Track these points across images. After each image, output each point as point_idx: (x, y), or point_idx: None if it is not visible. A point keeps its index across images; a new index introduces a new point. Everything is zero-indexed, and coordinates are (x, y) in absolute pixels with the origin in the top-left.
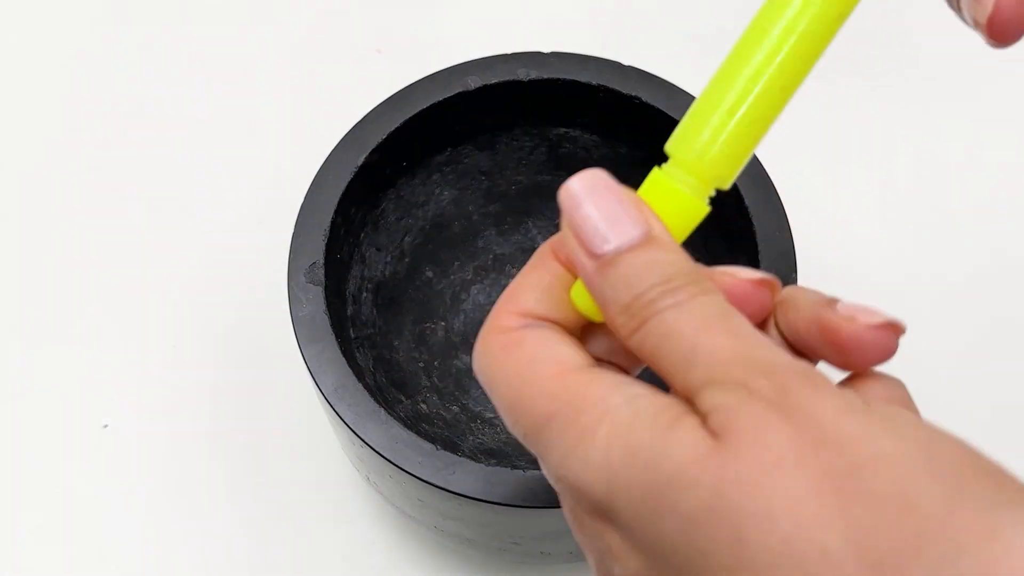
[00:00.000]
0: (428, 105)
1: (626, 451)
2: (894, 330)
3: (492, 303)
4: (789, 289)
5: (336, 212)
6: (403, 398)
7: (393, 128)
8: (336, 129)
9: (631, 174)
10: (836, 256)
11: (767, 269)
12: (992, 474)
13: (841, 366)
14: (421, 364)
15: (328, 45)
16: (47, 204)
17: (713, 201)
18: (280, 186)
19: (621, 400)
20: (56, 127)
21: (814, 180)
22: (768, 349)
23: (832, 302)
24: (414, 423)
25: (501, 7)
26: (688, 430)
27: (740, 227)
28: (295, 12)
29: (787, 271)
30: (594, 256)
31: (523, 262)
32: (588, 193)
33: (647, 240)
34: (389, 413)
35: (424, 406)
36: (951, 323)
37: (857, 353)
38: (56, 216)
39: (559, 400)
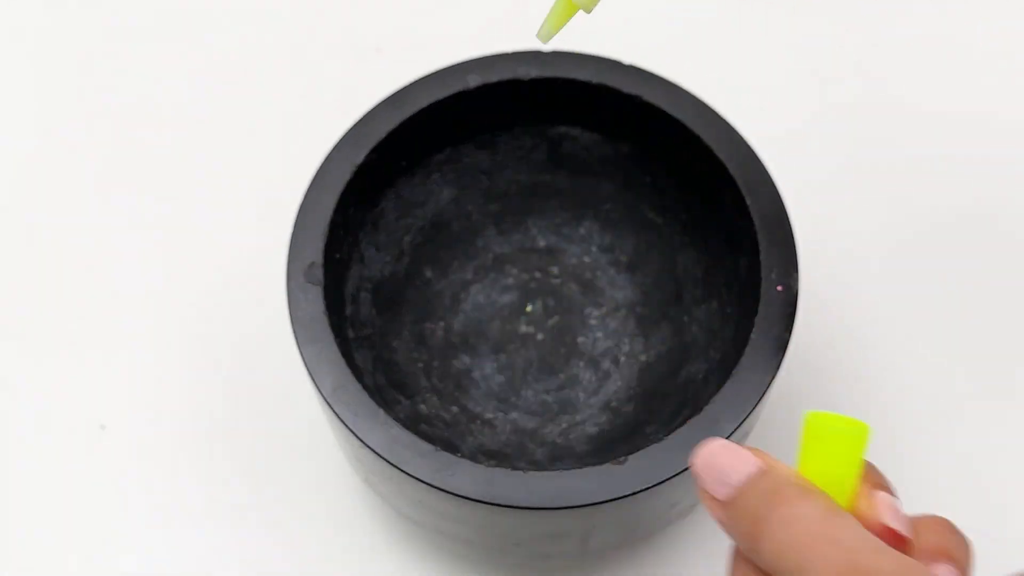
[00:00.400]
0: (427, 104)
1: None
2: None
3: (492, 303)
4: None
5: (335, 212)
6: (402, 399)
7: (392, 127)
8: (336, 129)
9: (631, 173)
10: (837, 255)
11: (769, 268)
12: None
13: None
14: (420, 364)
15: (328, 45)
16: (45, 204)
17: (713, 201)
18: (279, 186)
19: None
20: (55, 127)
21: (815, 179)
22: (872, 554)
23: None
24: (413, 424)
25: (501, 7)
26: None
27: (741, 227)
28: (295, 12)
29: (789, 270)
30: (719, 504)
31: (523, 262)
32: (709, 455)
33: (759, 472)
34: (388, 414)
35: (423, 407)
36: (953, 323)
37: None
38: (54, 216)
39: None
